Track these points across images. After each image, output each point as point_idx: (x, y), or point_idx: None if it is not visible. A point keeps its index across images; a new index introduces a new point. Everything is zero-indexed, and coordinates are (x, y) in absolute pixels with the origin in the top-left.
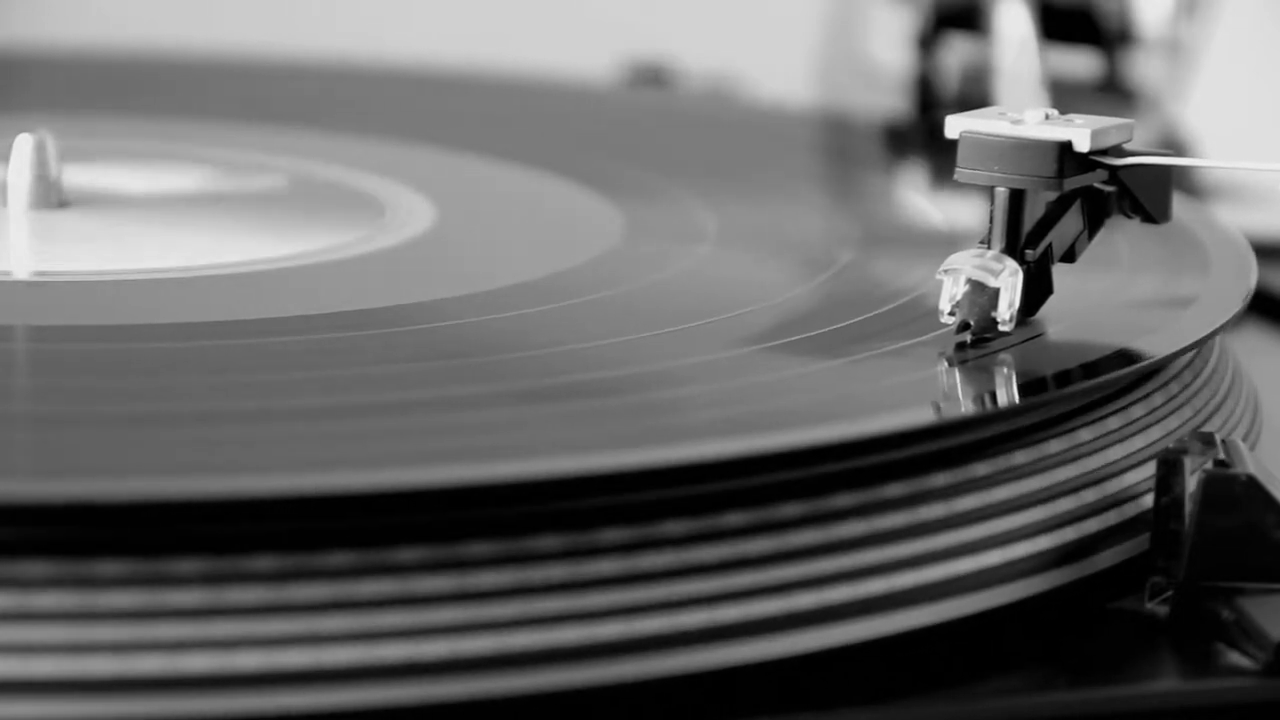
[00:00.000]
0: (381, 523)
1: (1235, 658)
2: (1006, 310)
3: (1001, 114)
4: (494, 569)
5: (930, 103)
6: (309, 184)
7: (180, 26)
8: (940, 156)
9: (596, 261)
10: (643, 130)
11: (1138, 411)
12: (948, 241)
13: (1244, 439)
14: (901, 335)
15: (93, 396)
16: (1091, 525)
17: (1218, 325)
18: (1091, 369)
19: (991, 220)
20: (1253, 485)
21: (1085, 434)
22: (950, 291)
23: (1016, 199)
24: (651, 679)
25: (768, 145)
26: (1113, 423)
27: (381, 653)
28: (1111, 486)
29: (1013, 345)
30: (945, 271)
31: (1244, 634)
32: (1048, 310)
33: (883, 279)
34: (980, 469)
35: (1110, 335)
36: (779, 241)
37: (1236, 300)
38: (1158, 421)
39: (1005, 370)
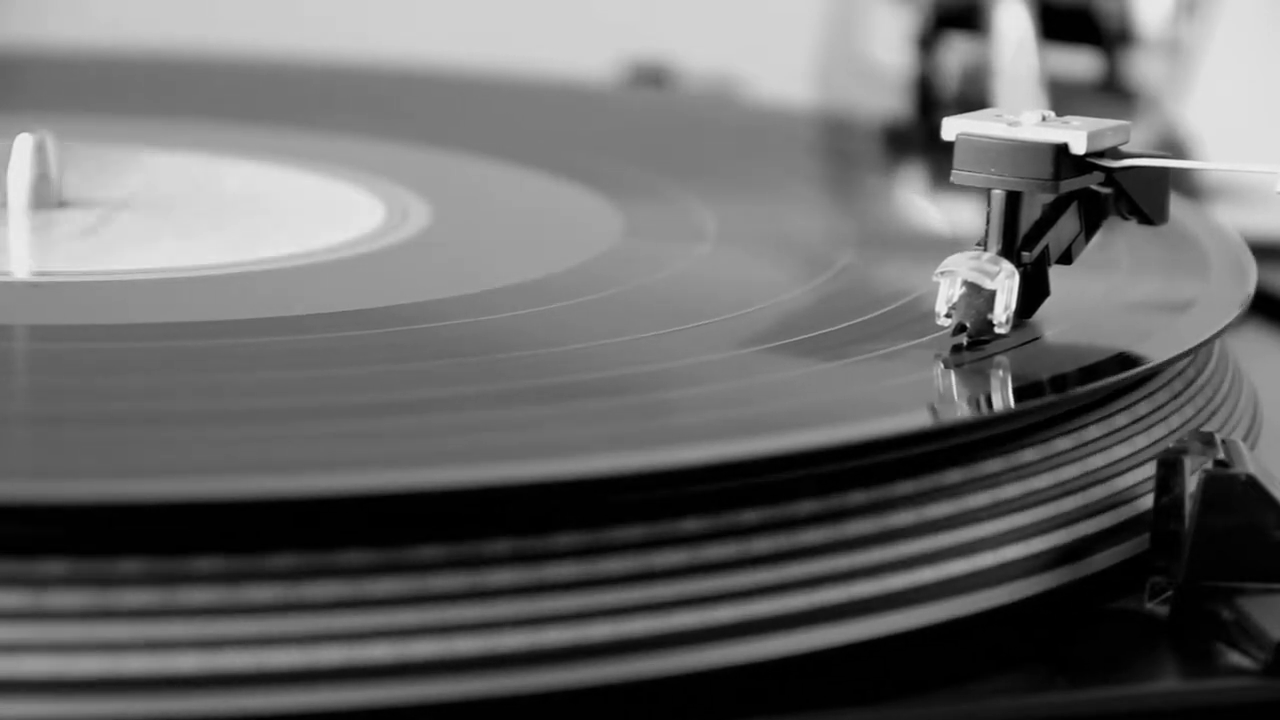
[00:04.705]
0: (381, 522)
1: (1235, 658)
2: (1003, 312)
3: (998, 116)
4: (490, 569)
5: (930, 103)
6: (309, 184)
7: (179, 26)
8: (940, 157)
9: (596, 261)
10: (643, 130)
11: (1138, 412)
12: (947, 243)
13: (1244, 439)
14: (900, 337)
15: (93, 396)
16: (1091, 525)
17: (1217, 330)
18: (1089, 372)
19: (988, 222)
20: (1253, 485)
21: (1086, 434)
22: (947, 294)
23: (1013, 201)
24: (650, 679)
25: (768, 145)
26: (1113, 423)
27: (413, 650)
28: (1111, 487)
29: (1011, 348)
30: (941, 273)
31: (1244, 634)
32: (1046, 313)
33: (882, 280)
34: (981, 469)
35: (1109, 338)
36: (779, 241)
37: (1235, 304)
38: (1158, 422)
39: (1002, 373)
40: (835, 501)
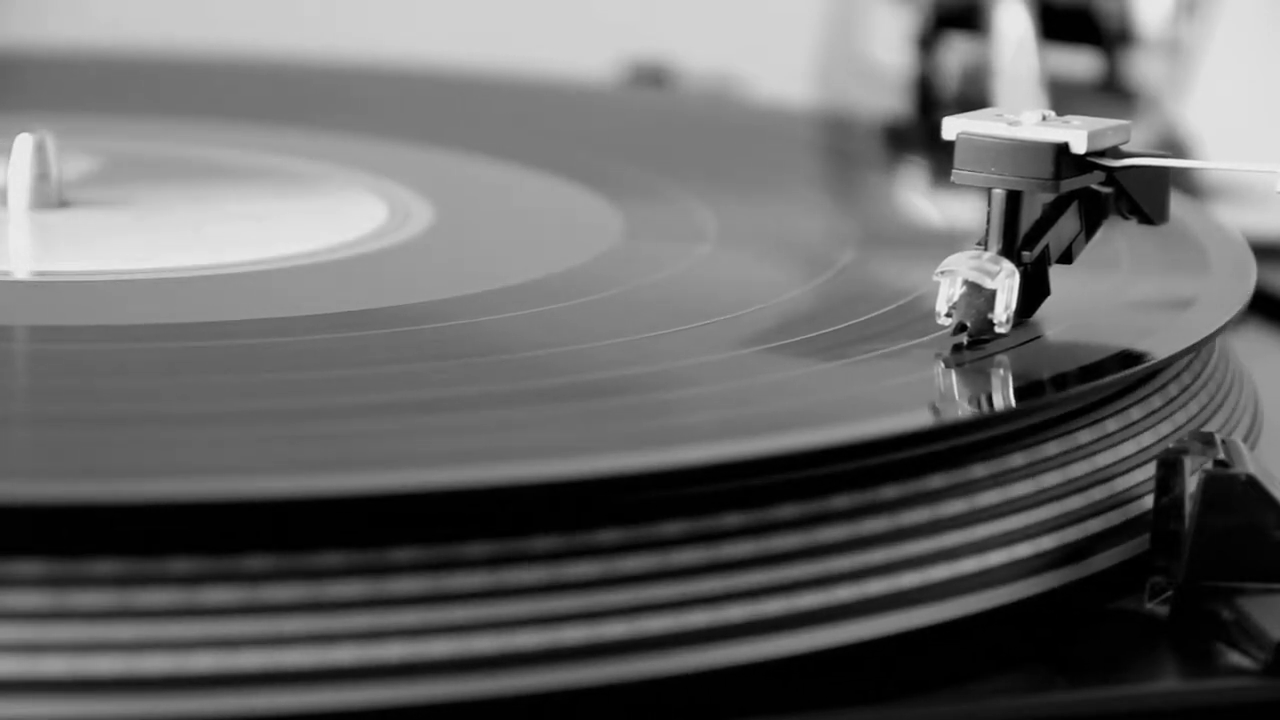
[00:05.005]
0: (380, 522)
1: (1235, 658)
2: (1003, 312)
3: (998, 115)
4: (494, 569)
5: (930, 103)
6: (309, 184)
7: (179, 26)
8: (940, 157)
9: (596, 261)
10: (643, 130)
11: (1138, 412)
12: (947, 242)
13: (1244, 439)
14: (900, 337)
15: (93, 396)
16: (1092, 525)
17: (1217, 327)
18: (1090, 371)
19: (988, 222)
20: (1253, 485)
21: (1085, 435)
22: (947, 293)
23: (1013, 200)
24: (650, 679)
25: (768, 145)
26: (1112, 424)
27: (384, 652)
28: (1112, 487)
29: (1011, 347)
30: (942, 273)
31: (1244, 634)
32: (1047, 312)
33: (882, 280)
34: (980, 470)
35: (1109, 337)
36: (779, 241)
37: (1236, 302)
38: (1158, 422)
39: (1003, 372)
40: (835, 503)
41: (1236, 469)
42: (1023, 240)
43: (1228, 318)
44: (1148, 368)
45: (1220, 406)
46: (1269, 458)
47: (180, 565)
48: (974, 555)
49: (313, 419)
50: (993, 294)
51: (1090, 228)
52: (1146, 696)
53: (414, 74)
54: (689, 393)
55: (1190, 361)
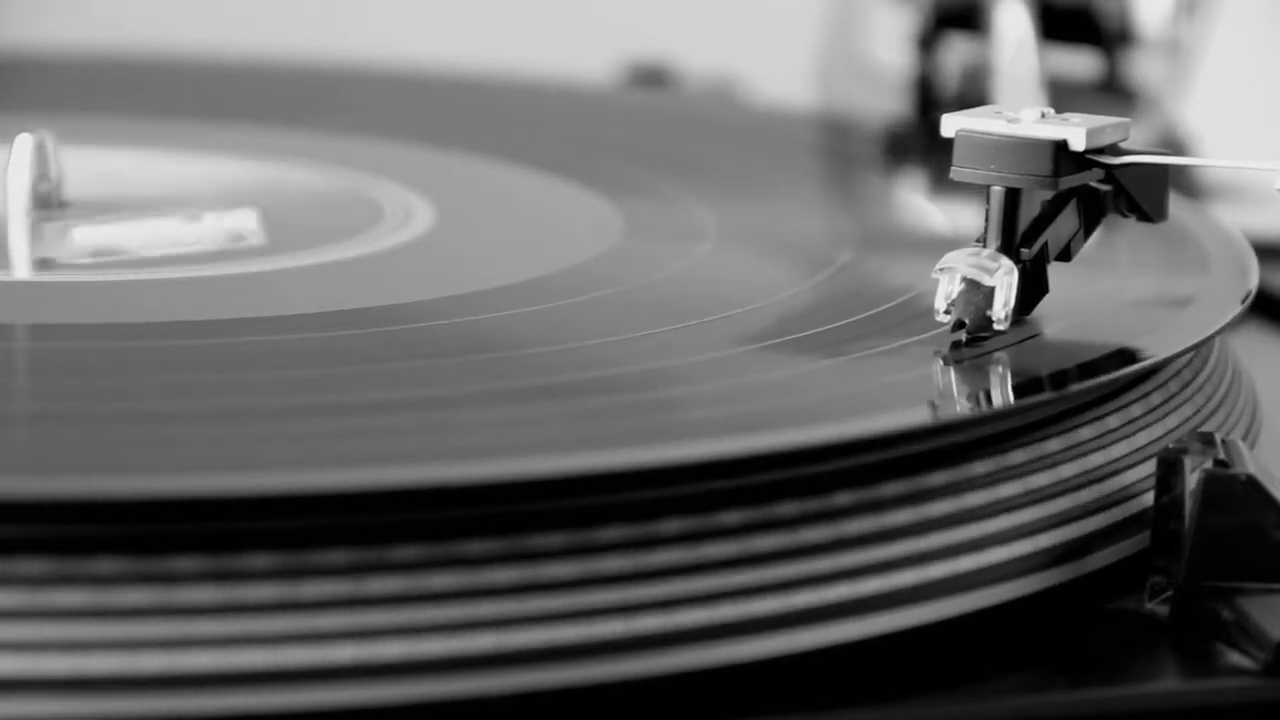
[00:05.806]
0: (380, 521)
1: (1235, 658)
2: (1002, 309)
3: (998, 113)
4: (495, 566)
5: (930, 103)
6: (309, 184)
7: (180, 26)
8: (940, 157)
9: (596, 261)
10: (643, 130)
11: (1137, 410)
12: (947, 241)
13: (1244, 439)
14: (899, 334)
15: (93, 396)
16: (1091, 524)
17: (1217, 327)
18: (1088, 369)
19: (987, 219)
20: (1253, 485)
21: (1084, 433)
22: (945, 290)
23: (1012, 198)
24: (649, 678)
25: (768, 145)
26: (1112, 421)
27: (384, 650)
28: (1111, 485)
29: (1010, 344)
30: (940, 270)
31: (1244, 634)
32: (1046, 310)
33: (881, 278)
34: (978, 468)
35: (1108, 335)
36: (778, 241)
37: (1236, 301)
38: (1157, 421)
39: (1002, 369)
40: (833, 500)
41: (1236, 469)
42: (1021, 237)
43: (1227, 319)
44: (1146, 366)
45: (1220, 406)
46: (1269, 458)
47: (187, 563)
48: (973, 554)
49: (312, 417)
50: (991, 291)
51: (1089, 225)
52: (1146, 696)
53: (414, 74)
54: (687, 390)
55: (1190, 360)
